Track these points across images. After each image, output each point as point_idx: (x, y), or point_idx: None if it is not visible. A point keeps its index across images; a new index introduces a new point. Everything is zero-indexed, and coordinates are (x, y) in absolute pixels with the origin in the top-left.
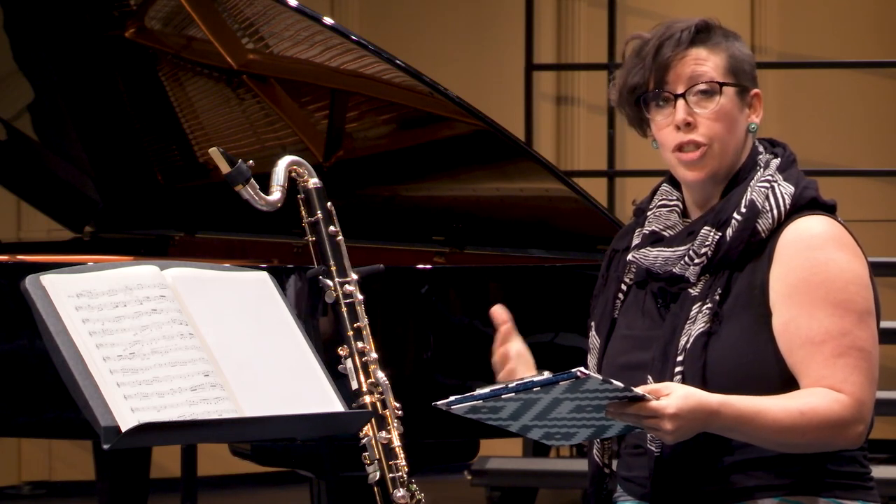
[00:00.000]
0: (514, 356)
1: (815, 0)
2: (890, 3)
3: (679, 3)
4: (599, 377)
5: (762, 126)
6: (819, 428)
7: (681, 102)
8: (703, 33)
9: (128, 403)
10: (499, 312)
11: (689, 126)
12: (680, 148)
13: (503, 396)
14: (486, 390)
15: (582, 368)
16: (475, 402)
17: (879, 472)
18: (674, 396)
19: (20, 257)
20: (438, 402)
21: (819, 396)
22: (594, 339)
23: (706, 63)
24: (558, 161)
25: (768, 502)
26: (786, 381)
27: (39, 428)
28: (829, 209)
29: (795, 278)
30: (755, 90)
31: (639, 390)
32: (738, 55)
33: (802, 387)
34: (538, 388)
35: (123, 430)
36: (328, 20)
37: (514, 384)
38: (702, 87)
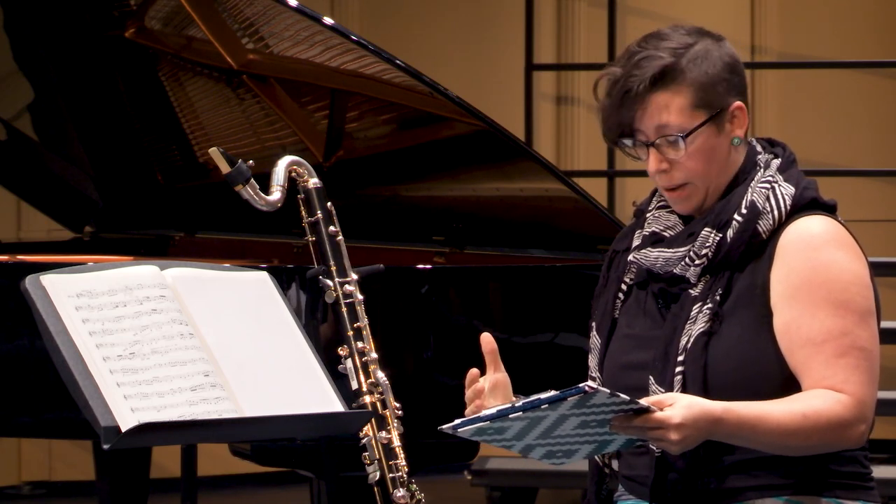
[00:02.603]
0: (490, 388)
1: (815, 0)
2: (890, 3)
3: (679, 3)
4: (607, 391)
5: (761, 126)
6: (822, 430)
7: (652, 152)
8: (661, 79)
9: (128, 403)
10: (487, 340)
11: (664, 171)
12: (668, 188)
13: (510, 416)
14: (493, 411)
15: (589, 383)
16: (481, 424)
17: (879, 472)
18: (678, 406)
19: (20, 257)
20: (444, 426)
21: (821, 398)
22: (595, 339)
23: (668, 109)
24: (558, 161)
25: (770, 502)
26: (787, 381)
27: (40, 428)
28: (829, 209)
29: (797, 279)
30: (736, 103)
31: (643, 402)
32: (705, 81)
33: (804, 387)
34: (546, 406)
35: (123, 430)
36: (328, 20)
37: (521, 403)
38: (669, 138)
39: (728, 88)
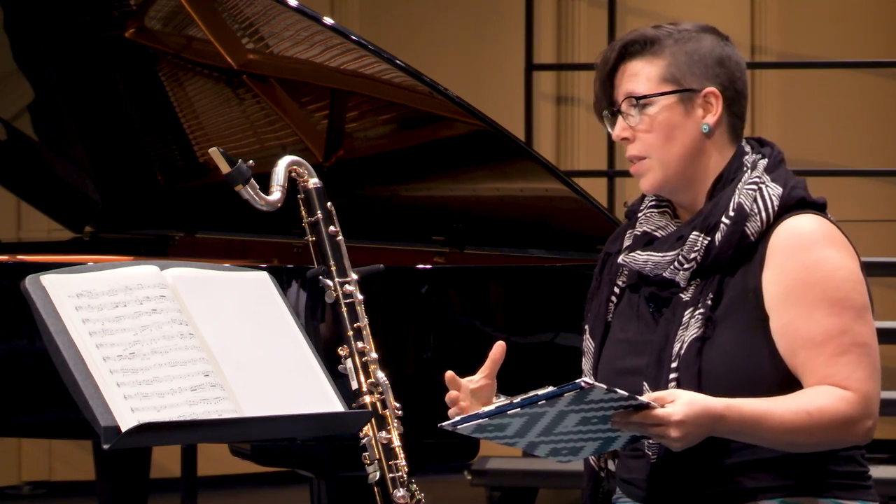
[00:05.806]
0: (475, 390)
1: (815, 0)
2: (890, 3)
3: (679, 3)
4: (604, 386)
5: (761, 126)
6: (827, 427)
7: (619, 118)
8: (636, 45)
9: (128, 403)
10: (500, 348)
11: (627, 140)
12: (630, 160)
13: (508, 413)
14: (491, 408)
15: (586, 379)
16: (481, 421)
17: (879, 472)
18: (679, 403)
19: (20, 257)
20: (444, 424)
21: (825, 395)
22: (588, 343)
23: (637, 77)
24: (558, 161)
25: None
26: (783, 384)
27: (39, 428)
28: (818, 207)
29: (790, 280)
30: (708, 89)
31: (644, 398)
32: (682, 59)
33: (806, 388)
34: (543, 402)
35: (123, 430)
36: (328, 20)
37: (518, 399)
38: (631, 101)
39: (707, 74)
